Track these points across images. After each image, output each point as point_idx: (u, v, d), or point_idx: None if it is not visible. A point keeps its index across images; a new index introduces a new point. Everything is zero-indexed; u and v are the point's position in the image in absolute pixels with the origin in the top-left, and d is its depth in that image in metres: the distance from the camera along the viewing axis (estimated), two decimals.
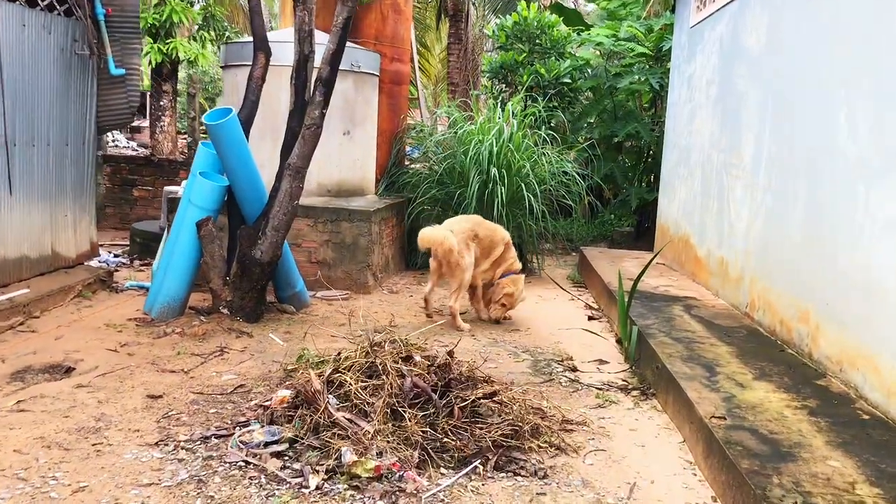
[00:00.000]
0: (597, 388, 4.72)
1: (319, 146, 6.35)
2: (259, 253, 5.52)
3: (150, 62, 13.73)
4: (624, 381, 4.94)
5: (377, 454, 3.26)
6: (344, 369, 3.89)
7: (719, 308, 6.07)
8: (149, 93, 14.53)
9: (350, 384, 3.67)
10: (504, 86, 11.23)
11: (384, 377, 3.69)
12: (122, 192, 11.08)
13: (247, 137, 5.83)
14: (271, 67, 6.19)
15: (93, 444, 3.49)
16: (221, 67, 7.88)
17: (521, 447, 3.58)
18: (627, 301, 5.53)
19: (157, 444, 3.52)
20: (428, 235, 5.96)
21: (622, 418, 4.23)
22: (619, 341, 5.81)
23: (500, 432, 3.58)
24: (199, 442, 3.54)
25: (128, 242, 9.12)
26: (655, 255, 6.68)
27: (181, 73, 17.44)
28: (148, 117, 15.01)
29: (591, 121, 11.16)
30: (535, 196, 8.24)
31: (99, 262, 8.09)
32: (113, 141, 19.34)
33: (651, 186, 10.94)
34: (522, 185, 8.21)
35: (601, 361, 5.36)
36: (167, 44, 12.74)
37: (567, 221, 11.34)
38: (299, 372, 4.31)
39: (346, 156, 7.29)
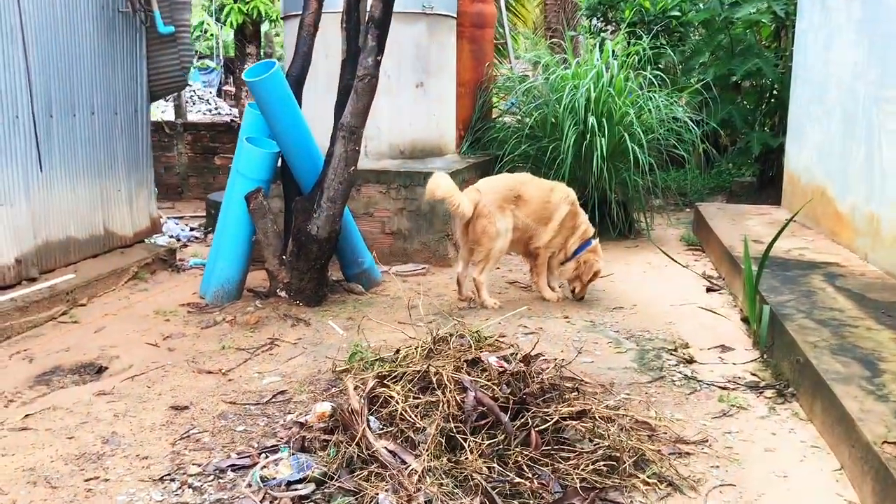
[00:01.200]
0: (720, 386, 3.78)
1: (389, 101, 5.60)
2: (315, 228, 4.80)
3: (231, 23, 13.25)
4: (754, 374, 3.97)
5: None
6: (394, 378, 3.12)
7: (871, 276, 4.95)
8: (233, 56, 14.13)
9: (397, 401, 2.89)
10: (604, 24, 10.06)
11: (440, 392, 2.89)
12: (205, 161, 10.66)
13: (299, 95, 5.09)
14: (330, 14, 5.42)
15: (86, 480, 2.86)
16: (282, 19, 7.17)
17: (621, 485, 2.71)
18: (756, 274, 4.51)
19: (161, 479, 2.85)
20: (429, 185, 4.93)
21: (754, 431, 3.29)
22: (745, 320, 4.81)
23: (592, 465, 2.73)
24: (212, 477, 2.84)
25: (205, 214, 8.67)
26: (792, 218, 5.59)
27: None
28: (234, 82, 14.65)
29: (705, 59, 9.87)
30: (640, 147, 7.21)
31: (170, 236, 7.64)
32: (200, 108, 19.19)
33: (775, 131, 9.61)
34: (626, 134, 7.19)
35: (724, 348, 4.39)
36: (247, 3, 12.18)
37: (679, 173, 10.19)
38: (350, 374, 3.59)
39: (420, 111, 6.47)
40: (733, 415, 3.45)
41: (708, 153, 12.62)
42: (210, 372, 3.95)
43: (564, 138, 7.13)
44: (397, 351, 3.66)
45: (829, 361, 3.46)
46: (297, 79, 5.09)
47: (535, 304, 5.24)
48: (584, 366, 3.96)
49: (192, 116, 15.63)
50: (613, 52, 7.89)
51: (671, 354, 4.22)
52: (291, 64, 5.13)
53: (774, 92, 9.76)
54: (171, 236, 7.67)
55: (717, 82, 9.97)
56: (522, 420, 2.85)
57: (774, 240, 4.57)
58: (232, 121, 12.13)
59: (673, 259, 5.62)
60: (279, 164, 5.16)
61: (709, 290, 5.72)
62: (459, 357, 3.30)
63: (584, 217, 5.43)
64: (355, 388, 3.03)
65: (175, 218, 8.83)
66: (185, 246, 7.39)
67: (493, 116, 8.21)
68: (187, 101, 15.27)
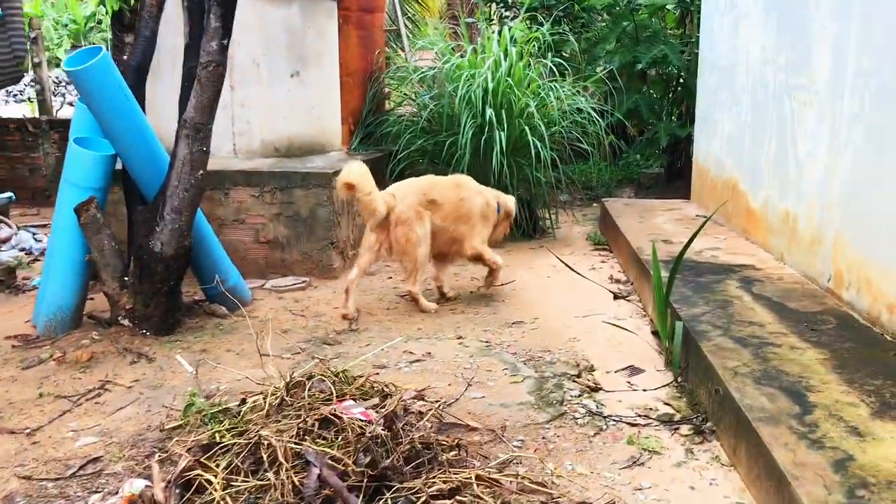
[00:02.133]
0: (629, 422, 3.24)
1: (259, 93, 4.98)
2: (158, 244, 4.05)
3: (106, 11, 12.15)
4: (667, 404, 3.45)
5: None
6: (224, 449, 2.45)
7: (788, 280, 4.53)
8: (109, 46, 13.02)
9: (215, 488, 2.22)
10: (504, 9, 9.52)
11: (272, 473, 2.23)
12: None
13: (141, 86, 4.33)
14: None
15: None
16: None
17: None
18: (666, 285, 4.00)
19: None
20: (341, 173, 4.54)
21: (670, 485, 2.75)
22: (656, 333, 4.32)
23: None
24: None
25: None
26: (707, 220, 5.14)
27: None
28: None
29: (610, 47, 9.45)
30: (542, 141, 6.69)
31: (20, 249, 6.72)
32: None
33: (683, 120, 9.27)
34: (526, 127, 6.65)
35: (633, 370, 3.87)
36: None
37: (586, 165, 9.77)
38: (184, 431, 2.91)
39: (298, 104, 5.76)
40: (645, 462, 2.90)
41: (615, 145, 12.34)
42: (13, 432, 3.18)
43: (462, 132, 6.54)
44: (243, 401, 3.00)
45: (753, 394, 2.95)
46: (137, 67, 4.33)
47: (427, 321, 4.63)
48: (474, 403, 3.36)
49: (67, 112, 14.40)
50: (513, 38, 7.34)
51: (574, 382, 3.66)
52: (132, 51, 4.36)
53: (681, 80, 9.42)
54: (22, 249, 6.74)
55: (622, 71, 9.57)
56: (381, 502, 2.22)
57: (686, 247, 4.07)
58: None
59: (570, 268, 5.09)
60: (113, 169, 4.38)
61: (616, 297, 5.22)
62: (314, 411, 2.65)
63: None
64: (166, 466, 2.35)
65: (36, 227, 7.85)
66: (35, 260, 6.48)
67: (388, 109, 7.54)
68: (58, 96, 14.05)
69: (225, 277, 4.72)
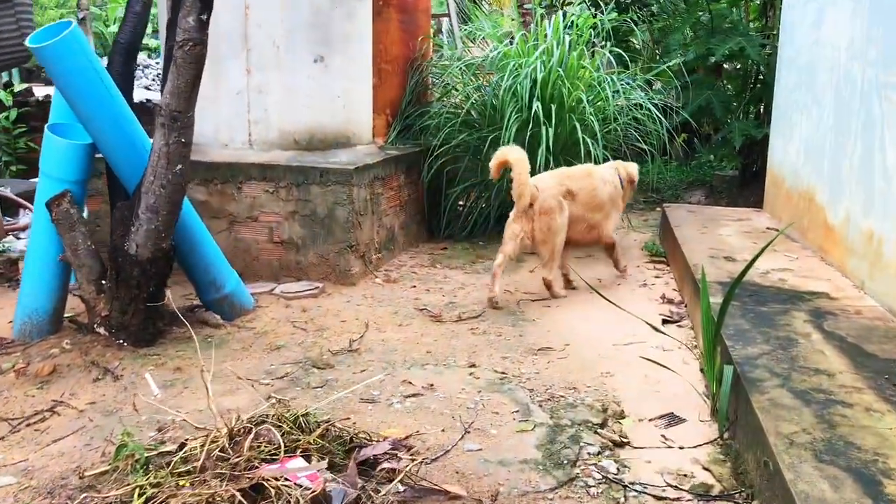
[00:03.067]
0: (655, 493, 2.62)
1: (278, 78, 4.65)
2: (134, 246, 3.60)
3: None
4: (707, 469, 2.82)
5: None
6: None
7: (869, 315, 3.80)
8: None
9: None
10: None
11: None
12: None
13: (131, 67, 3.89)
14: None
15: None
16: None
17: None
18: (718, 317, 3.34)
19: None
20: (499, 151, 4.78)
21: None
22: (704, 370, 3.66)
23: None
24: None
25: None
26: (772, 241, 4.46)
27: None
28: None
29: (685, 39, 8.68)
30: (594, 138, 6.04)
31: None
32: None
33: (761, 119, 8.45)
34: (577, 124, 6.01)
35: (671, 419, 3.24)
36: None
37: (655, 165, 9.07)
38: (109, 479, 2.44)
39: (321, 91, 5.25)
40: None
41: (689, 143, 11.52)
42: None
43: (505, 127, 5.95)
44: (182, 445, 2.50)
45: (811, 475, 2.30)
46: (127, 46, 3.88)
47: (440, 342, 4.08)
48: (466, 458, 2.79)
49: None
50: (573, 24, 6.70)
51: (596, 433, 3.05)
52: (121, 27, 3.92)
53: (760, 76, 8.58)
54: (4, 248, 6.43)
55: (696, 64, 8.81)
56: None
57: (745, 271, 3.39)
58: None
59: (602, 296, 4.44)
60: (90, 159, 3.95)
61: (665, 321, 4.56)
62: (247, 472, 2.14)
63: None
64: None
65: None
66: None
67: (430, 99, 6.99)
68: None
69: (221, 283, 4.26)
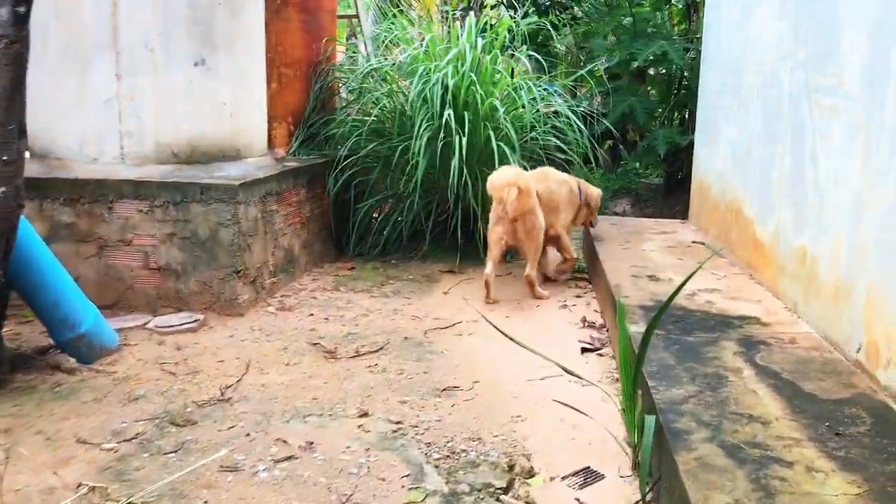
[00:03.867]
0: None
1: (153, 83, 4.17)
2: None
3: None
4: None
5: None
6: None
7: (803, 344, 3.44)
8: None
9: None
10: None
11: None
12: None
13: None
14: None
15: None
16: None
17: None
18: (638, 354, 2.91)
19: None
20: (497, 179, 4.79)
21: None
22: (626, 410, 3.24)
23: None
24: None
25: None
26: (701, 266, 4.09)
27: None
28: None
29: (605, 42, 8.35)
30: (512, 147, 5.63)
31: None
32: None
33: (685, 126, 8.18)
34: (491, 132, 5.58)
35: (587, 476, 2.80)
36: None
37: (581, 173, 8.75)
38: None
39: (204, 97, 4.69)
40: None
41: (615, 150, 11.24)
42: None
43: (416, 136, 5.48)
44: None
45: None
46: None
47: (330, 385, 3.56)
48: None
49: None
50: (490, 26, 6.28)
51: (498, 501, 2.59)
52: None
53: (683, 81, 8.32)
54: None
55: (619, 70, 8.51)
56: None
57: (668, 302, 2.96)
58: None
59: (507, 336, 3.99)
60: None
61: (584, 350, 4.15)
62: None
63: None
64: None
65: None
66: None
67: (337, 106, 6.48)
68: None
69: (75, 321, 3.66)
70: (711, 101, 5.80)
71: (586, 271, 5.86)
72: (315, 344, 4.07)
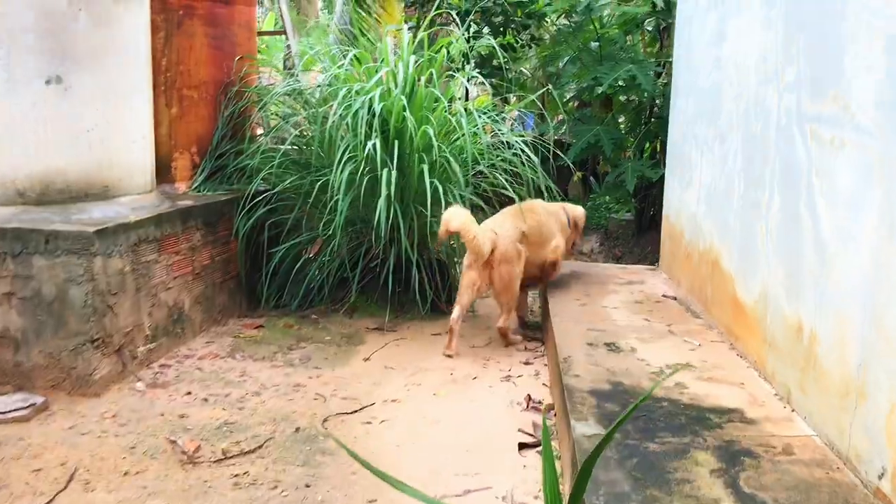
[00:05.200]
0: None
1: None
2: None
3: None
4: None
5: None
6: None
7: (802, 453, 2.57)
8: None
9: None
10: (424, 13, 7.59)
11: None
12: None
13: None
14: None
15: None
16: None
17: None
18: (578, 478, 2.02)
19: None
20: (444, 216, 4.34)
21: None
22: None
23: None
24: None
25: None
26: (671, 374, 3.29)
27: None
28: None
29: (564, 65, 7.57)
30: (454, 184, 4.80)
31: None
32: None
33: (657, 159, 7.39)
34: (426, 166, 4.72)
35: None
36: None
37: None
38: None
39: (59, 124, 3.79)
40: None
41: (586, 181, 10.44)
42: None
43: (336, 168, 4.62)
44: None
45: None
46: None
47: None
48: None
49: None
50: (429, 44, 5.45)
51: None
52: None
53: (654, 109, 7.53)
54: None
55: (585, 97, 7.73)
56: None
57: (631, 412, 2.09)
58: None
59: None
60: None
61: (523, 446, 3.26)
62: None
63: None
64: None
65: None
66: None
67: (253, 133, 5.60)
68: None
69: None
70: (683, 131, 4.99)
71: (539, 326, 5.00)
72: (174, 442, 3.15)
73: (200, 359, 4.19)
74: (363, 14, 11.87)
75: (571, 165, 6.21)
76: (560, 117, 8.79)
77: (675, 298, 4.68)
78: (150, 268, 4.03)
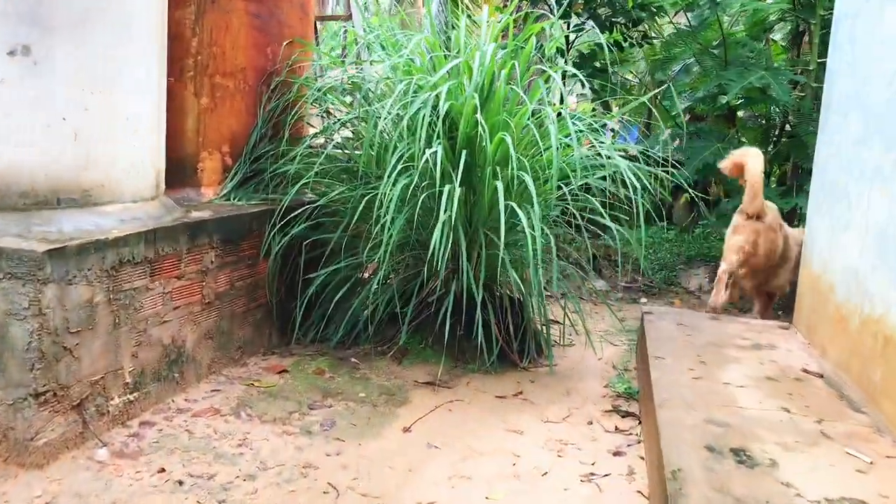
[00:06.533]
0: None
1: None
2: None
3: None
4: None
5: None
6: None
7: None
8: None
9: None
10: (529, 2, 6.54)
11: None
12: None
13: None
14: None
15: None
16: None
17: None
18: None
19: None
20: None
21: None
22: None
23: None
24: None
25: None
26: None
27: None
28: None
29: (679, 69, 6.43)
30: (536, 207, 3.76)
31: None
32: None
33: (788, 185, 6.15)
34: (499, 183, 3.69)
35: None
36: None
37: (652, 231, 6.82)
38: None
39: (24, 108, 2.95)
40: None
41: (694, 204, 9.25)
42: None
43: (386, 182, 3.65)
44: None
45: None
46: None
47: None
48: None
49: None
50: (498, 30, 4.42)
51: None
52: None
53: (788, 125, 6.29)
54: None
55: (704, 107, 6.57)
56: None
57: None
58: None
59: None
60: None
61: None
62: None
63: None
64: None
65: None
66: None
67: (304, 134, 4.71)
68: None
69: None
70: (840, 156, 3.81)
71: (635, 397, 3.90)
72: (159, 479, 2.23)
73: (195, 416, 3.28)
74: (456, 11, 10.91)
75: (686, 186, 5.09)
76: (668, 131, 7.63)
77: (820, 376, 3.50)
78: (136, 297, 3.14)
